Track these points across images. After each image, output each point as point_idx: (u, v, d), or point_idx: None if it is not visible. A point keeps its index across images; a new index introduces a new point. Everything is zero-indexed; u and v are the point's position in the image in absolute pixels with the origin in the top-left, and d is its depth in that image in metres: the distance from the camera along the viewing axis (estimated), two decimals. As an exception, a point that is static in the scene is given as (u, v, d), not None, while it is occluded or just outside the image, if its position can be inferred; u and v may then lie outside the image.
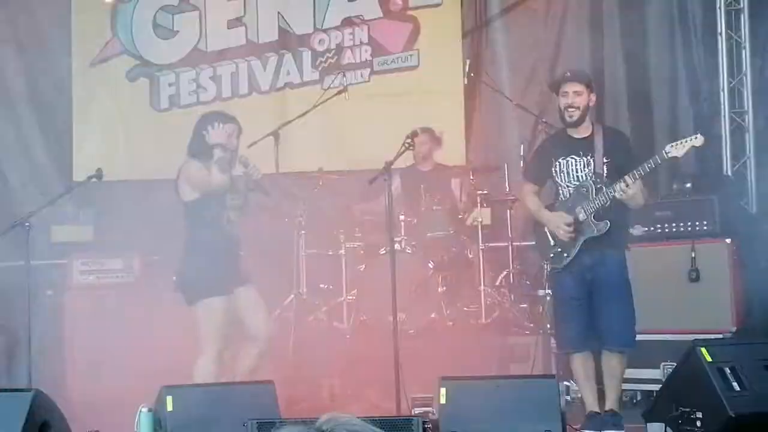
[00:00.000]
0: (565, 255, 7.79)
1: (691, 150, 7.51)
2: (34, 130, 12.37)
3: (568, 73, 8.05)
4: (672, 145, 7.48)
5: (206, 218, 8.08)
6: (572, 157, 7.76)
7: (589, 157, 7.71)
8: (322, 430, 2.30)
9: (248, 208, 8.22)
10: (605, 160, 7.68)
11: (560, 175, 7.81)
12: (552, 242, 7.88)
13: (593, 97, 7.84)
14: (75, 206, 11.68)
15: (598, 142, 7.73)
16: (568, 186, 7.79)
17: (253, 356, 8.10)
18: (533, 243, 8.61)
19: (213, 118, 8.19)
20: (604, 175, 7.65)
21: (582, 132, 7.81)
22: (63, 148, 12.33)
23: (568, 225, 7.73)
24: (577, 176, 7.75)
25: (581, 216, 7.69)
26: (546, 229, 7.93)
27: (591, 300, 7.69)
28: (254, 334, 8.09)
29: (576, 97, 7.74)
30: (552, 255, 7.91)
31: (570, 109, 7.74)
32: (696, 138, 7.49)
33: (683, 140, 7.49)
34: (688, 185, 9.72)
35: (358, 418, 2.38)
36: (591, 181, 7.68)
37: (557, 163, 7.82)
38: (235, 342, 8.14)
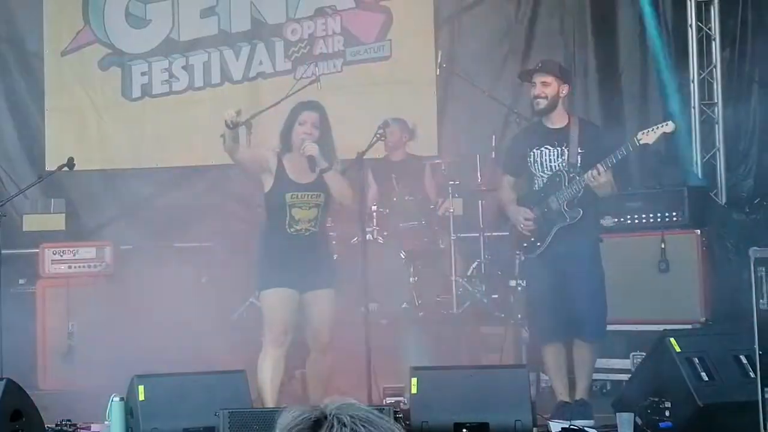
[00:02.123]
0: (538, 244, 7.85)
1: (662, 137, 7.58)
2: (6, 119, 12.35)
3: (539, 64, 8.13)
4: (643, 132, 7.56)
5: (275, 212, 7.81)
6: (546, 148, 7.82)
7: (563, 148, 7.76)
8: (327, 413, 2.33)
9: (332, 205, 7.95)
10: (579, 151, 7.73)
11: (534, 165, 7.87)
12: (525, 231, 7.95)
13: (565, 88, 7.88)
14: (47, 195, 11.67)
15: (574, 133, 7.78)
16: (542, 176, 7.85)
17: (312, 361, 8.03)
18: (505, 233, 8.66)
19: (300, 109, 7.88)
20: (578, 165, 7.70)
21: (557, 122, 7.86)
22: (35, 137, 12.30)
23: (527, 219, 7.80)
24: (551, 166, 7.81)
25: (554, 205, 7.74)
26: (519, 219, 8.00)
27: (564, 290, 7.74)
28: (311, 341, 7.95)
29: (544, 87, 7.80)
30: (525, 244, 7.96)
31: (538, 99, 7.82)
32: (667, 125, 7.58)
33: (654, 127, 7.58)
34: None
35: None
36: (564, 171, 7.73)
37: (532, 153, 7.87)
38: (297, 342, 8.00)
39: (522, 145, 8.07)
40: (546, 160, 7.82)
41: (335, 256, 10.14)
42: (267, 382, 7.67)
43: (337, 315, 9.95)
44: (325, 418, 2.31)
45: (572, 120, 7.89)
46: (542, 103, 7.80)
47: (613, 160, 7.52)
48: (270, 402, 7.64)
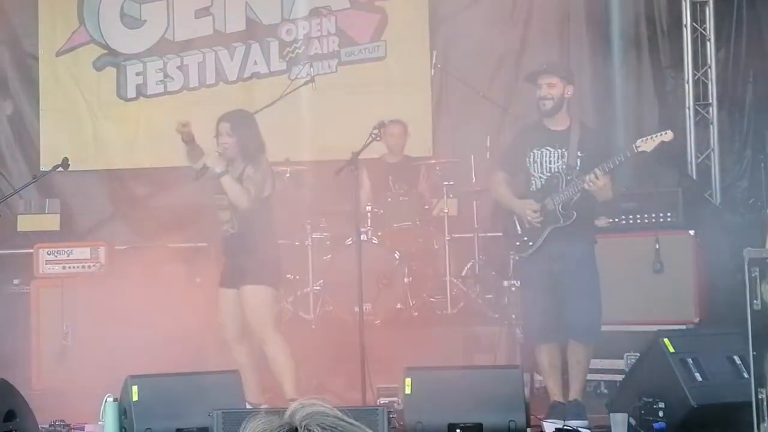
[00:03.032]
0: (531, 243, 7.85)
1: (660, 145, 7.59)
2: (1, 119, 12.34)
3: (544, 65, 8.14)
4: (642, 140, 7.58)
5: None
6: (547, 149, 7.83)
7: (563, 150, 7.77)
8: (296, 425, 2.29)
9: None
10: (579, 154, 7.74)
11: (534, 166, 7.87)
12: (519, 230, 7.94)
13: (570, 89, 7.88)
14: (41, 195, 11.67)
15: (574, 136, 7.80)
16: (540, 177, 7.86)
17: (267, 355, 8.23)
18: (499, 234, 8.66)
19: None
20: (577, 167, 7.71)
21: (559, 124, 7.87)
22: (30, 137, 12.30)
23: (535, 211, 7.79)
24: (550, 167, 7.82)
25: (549, 206, 7.75)
26: (514, 218, 7.98)
27: (558, 291, 7.75)
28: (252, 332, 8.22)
29: (549, 89, 7.81)
30: (518, 243, 7.97)
31: (544, 101, 7.83)
32: (666, 133, 7.59)
33: (653, 135, 7.59)
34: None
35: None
36: (563, 173, 7.74)
37: (531, 154, 7.88)
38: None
39: (522, 144, 8.07)
40: (546, 161, 7.83)
41: (329, 257, 10.19)
42: None
43: (331, 315, 10.01)
44: (296, 430, 2.28)
45: (573, 123, 7.90)
46: (548, 104, 7.81)
47: (611, 166, 7.54)
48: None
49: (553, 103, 7.81)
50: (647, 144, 7.54)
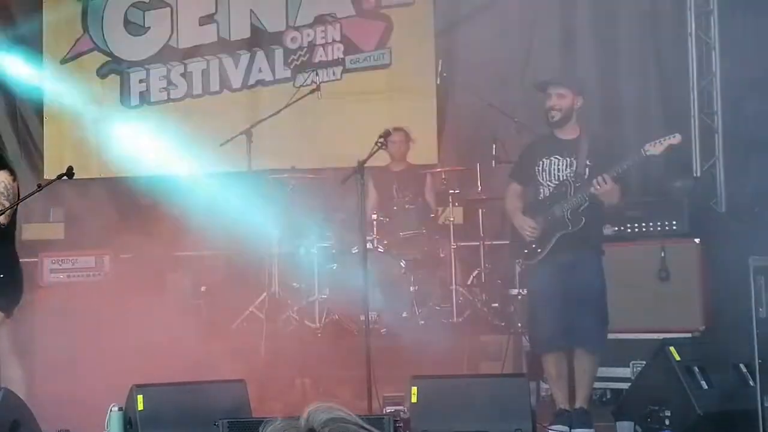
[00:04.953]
0: (539, 250, 7.84)
1: (668, 148, 7.58)
2: (5, 127, 12.34)
3: (556, 76, 8.18)
4: (650, 144, 7.56)
5: None
6: (555, 158, 7.83)
7: (572, 158, 7.77)
8: (316, 429, 2.28)
9: None
10: (588, 163, 7.74)
11: (542, 174, 7.88)
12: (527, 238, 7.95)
13: (579, 100, 7.89)
14: (46, 204, 11.66)
15: (583, 145, 7.80)
16: (548, 185, 7.86)
17: None
18: (504, 242, 8.66)
19: None
20: (585, 176, 7.71)
21: (568, 134, 7.87)
22: (34, 145, 12.30)
23: (532, 228, 7.79)
24: (559, 176, 7.82)
25: (558, 213, 7.74)
26: (523, 227, 8.00)
27: (565, 299, 7.73)
28: None
29: (559, 99, 7.82)
30: (526, 251, 7.96)
31: (552, 111, 7.83)
32: (674, 137, 7.58)
33: (661, 139, 7.57)
34: (678, 184, 9.81)
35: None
36: (571, 181, 7.74)
37: (540, 162, 7.88)
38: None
39: (532, 154, 8.08)
40: (554, 169, 7.83)
41: (335, 265, 10.17)
42: None
43: (337, 323, 9.99)
44: None
45: (583, 132, 7.90)
46: (557, 116, 7.82)
47: (619, 170, 7.53)
48: None
49: (562, 114, 7.81)
50: (656, 147, 7.53)
